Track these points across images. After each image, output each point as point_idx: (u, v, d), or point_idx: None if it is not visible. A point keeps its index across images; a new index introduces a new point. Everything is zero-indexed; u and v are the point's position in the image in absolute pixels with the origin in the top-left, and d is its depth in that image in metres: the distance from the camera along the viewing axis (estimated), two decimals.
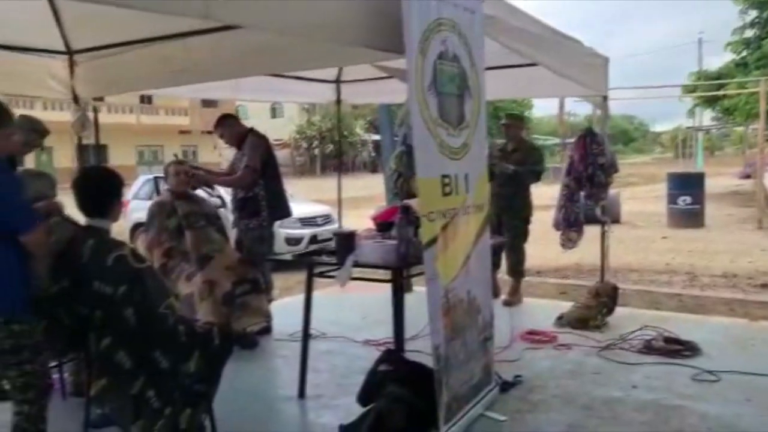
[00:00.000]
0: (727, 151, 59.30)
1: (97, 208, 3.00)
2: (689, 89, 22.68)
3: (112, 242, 2.99)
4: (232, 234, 5.47)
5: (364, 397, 3.41)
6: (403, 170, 5.99)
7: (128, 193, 10.73)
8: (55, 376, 3.89)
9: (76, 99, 4.73)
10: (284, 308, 5.75)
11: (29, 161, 9.36)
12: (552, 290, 7.28)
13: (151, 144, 37.44)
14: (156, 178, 11.10)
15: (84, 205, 2.99)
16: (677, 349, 4.65)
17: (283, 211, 5.46)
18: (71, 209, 3.15)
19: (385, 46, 3.00)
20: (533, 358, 4.66)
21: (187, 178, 4.94)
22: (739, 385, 4.06)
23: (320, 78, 6.28)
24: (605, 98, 5.83)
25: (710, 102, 24.51)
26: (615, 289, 5.66)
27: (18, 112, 3.30)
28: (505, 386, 4.01)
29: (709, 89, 21.80)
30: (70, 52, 4.57)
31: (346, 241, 3.81)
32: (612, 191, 6.69)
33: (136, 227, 9.84)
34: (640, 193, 20.89)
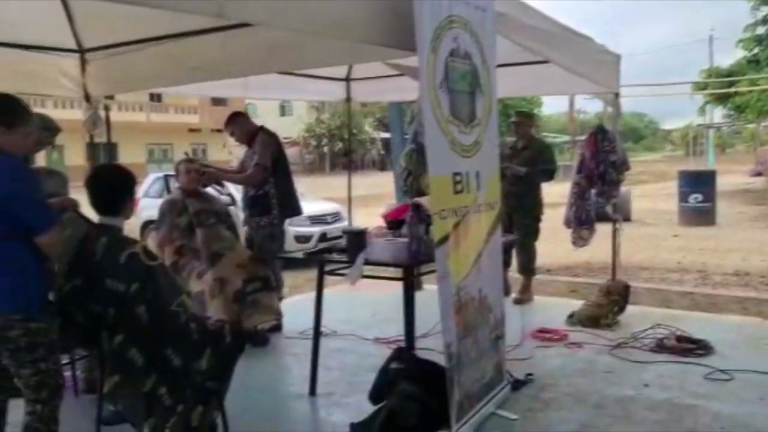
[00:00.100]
0: (738, 148, 58.99)
1: (109, 206, 3.00)
2: (700, 86, 22.57)
3: (125, 240, 2.99)
4: (243, 232, 5.48)
5: (375, 395, 3.41)
6: (413, 168, 5.98)
7: (139, 191, 10.75)
8: (68, 373, 3.91)
9: (87, 97, 4.73)
10: (294, 306, 5.76)
11: (40, 159, 9.40)
12: (562, 288, 7.26)
13: (160, 142, 37.54)
14: (166, 176, 11.14)
15: (97, 203, 3.00)
16: (690, 347, 4.63)
17: (294, 209, 5.46)
18: (85, 207, 3.16)
19: (396, 43, 2.99)
20: (544, 357, 4.65)
21: (198, 176, 4.95)
22: (753, 384, 4.04)
23: (330, 76, 6.27)
24: (617, 95, 5.80)
25: (721, 99, 24.40)
26: (626, 287, 5.64)
27: None
28: (517, 384, 4.00)
29: (720, 86, 21.68)
30: (81, 51, 4.58)
31: (357, 239, 3.81)
32: (623, 189, 6.66)
33: (147, 225, 9.89)
34: (650, 191, 20.79)
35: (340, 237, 5.12)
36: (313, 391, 4.05)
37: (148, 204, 10.06)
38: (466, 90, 3.41)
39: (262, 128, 5.36)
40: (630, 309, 5.58)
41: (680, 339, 4.74)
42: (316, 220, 9.90)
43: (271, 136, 5.30)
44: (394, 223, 4.15)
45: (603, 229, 6.03)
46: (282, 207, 5.25)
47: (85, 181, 3.04)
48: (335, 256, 4.06)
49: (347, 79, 6.54)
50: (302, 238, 9.43)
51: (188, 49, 4.10)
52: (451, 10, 3.21)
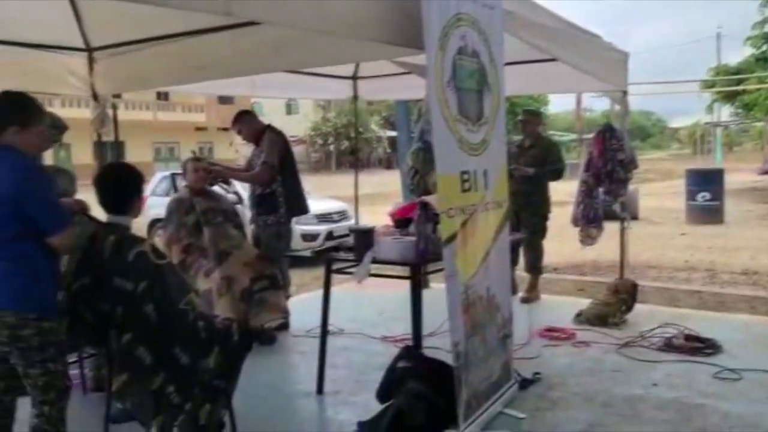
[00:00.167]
0: (745, 146, 58.65)
1: (117, 205, 3.01)
2: (708, 84, 22.47)
3: (133, 238, 3.00)
4: (249, 230, 5.48)
5: (383, 394, 3.41)
6: (420, 167, 5.97)
7: (146, 190, 10.79)
8: (76, 371, 3.93)
9: (95, 96, 4.74)
10: (301, 304, 5.77)
11: (48, 158, 9.43)
12: (570, 287, 7.24)
13: (167, 141, 37.60)
14: (173, 175, 11.17)
15: (105, 202, 3.01)
16: (698, 346, 4.60)
17: (301, 208, 5.46)
18: (93, 207, 3.16)
19: (404, 41, 2.98)
20: (552, 356, 4.63)
21: (205, 175, 4.96)
22: (762, 383, 4.01)
23: (337, 74, 6.27)
24: (625, 93, 5.77)
25: (729, 97, 24.29)
26: (634, 286, 5.62)
27: None
28: (525, 383, 3.99)
29: (728, 84, 21.58)
30: (89, 49, 4.59)
31: (365, 237, 3.80)
32: (630, 187, 6.63)
33: (154, 223, 9.92)
34: (657, 189, 20.71)
35: (346, 235, 5.11)
36: (320, 390, 4.05)
37: (155, 202, 10.09)
38: (474, 88, 3.40)
39: (269, 127, 5.36)
40: (638, 308, 5.56)
41: (688, 338, 4.72)
42: (323, 218, 9.90)
43: (279, 135, 5.31)
44: (401, 221, 4.14)
45: (610, 228, 6.01)
46: (289, 206, 5.25)
47: (93, 179, 3.05)
48: (343, 255, 4.06)
49: (354, 78, 6.53)
50: (309, 237, 9.44)
51: (196, 48, 4.11)
52: (459, 8, 3.20)
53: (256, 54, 3.96)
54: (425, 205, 3.67)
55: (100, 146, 4.97)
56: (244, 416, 3.25)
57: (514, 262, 6.05)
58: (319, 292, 4.17)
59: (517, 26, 3.76)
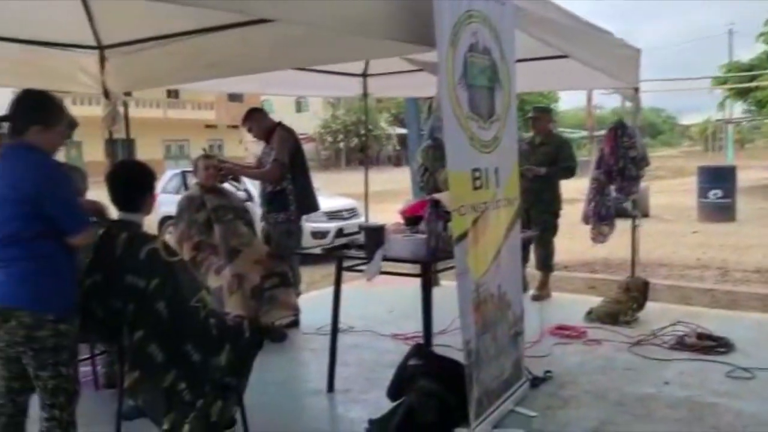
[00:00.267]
0: (757, 143, 58.27)
1: (129, 202, 3.01)
2: (720, 81, 22.31)
3: (145, 236, 3.00)
4: (260, 228, 5.49)
5: (393, 392, 3.40)
6: (429, 165, 5.97)
7: (157, 187, 10.82)
8: (88, 368, 3.94)
9: (106, 94, 4.76)
10: (311, 302, 5.77)
11: (60, 155, 9.45)
12: (581, 285, 7.21)
13: (177, 138, 37.69)
14: (184, 173, 11.20)
15: (117, 199, 3.02)
16: (710, 345, 4.58)
17: (311, 206, 5.46)
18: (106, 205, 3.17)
19: (415, 38, 2.98)
20: (563, 354, 4.62)
21: (216, 172, 4.96)
22: None
23: (347, 71, 6.26)
24: (636, 90, 5.74)
25: (741, 94, 24.10)
26: (646, 284, 5.59)
27: None
28: (536, 382, 3.98)
29: (740, 81, 21.41)
30: (100, 47, 4.60)
31: (376, 235, 3.80)
32: (641, 185, 6.60)
33: (165, 220, 9.95)
34: (668, 187, 20.60)
35: (356, 233, 5.11)
36: (331, 387, 4.05)
37: (165, 200, 10.10)
38: (485, 85, 3.38)
39: (279, 124, 5.36)
40: (649, 306, 5.53)
41: (701, 336, 4.69)
42: (333, 215, 9.91)
43: (289, 132, 5.31)
44: (411, 219, 4.13)
45: (621, 225, 5.97)
46: (299, 203, 5.25)
47: (105, 176, 3.06)
48: (353, 252, 4.05)
49: (364, 75, 6.52)
50: (319, 234, 9.45)
51: (206, 46, 4.11)
52: (470, 5, 3.18)
53: (267, 51, 3.96)
54: (436, 203, 3.66)
55: (111, 144, 4.99)
56: (255, 413, 3.24)
57: (525, 259, 6.04)
58: (330, 290, 4.17)
59: (528, 23, 3.73)
